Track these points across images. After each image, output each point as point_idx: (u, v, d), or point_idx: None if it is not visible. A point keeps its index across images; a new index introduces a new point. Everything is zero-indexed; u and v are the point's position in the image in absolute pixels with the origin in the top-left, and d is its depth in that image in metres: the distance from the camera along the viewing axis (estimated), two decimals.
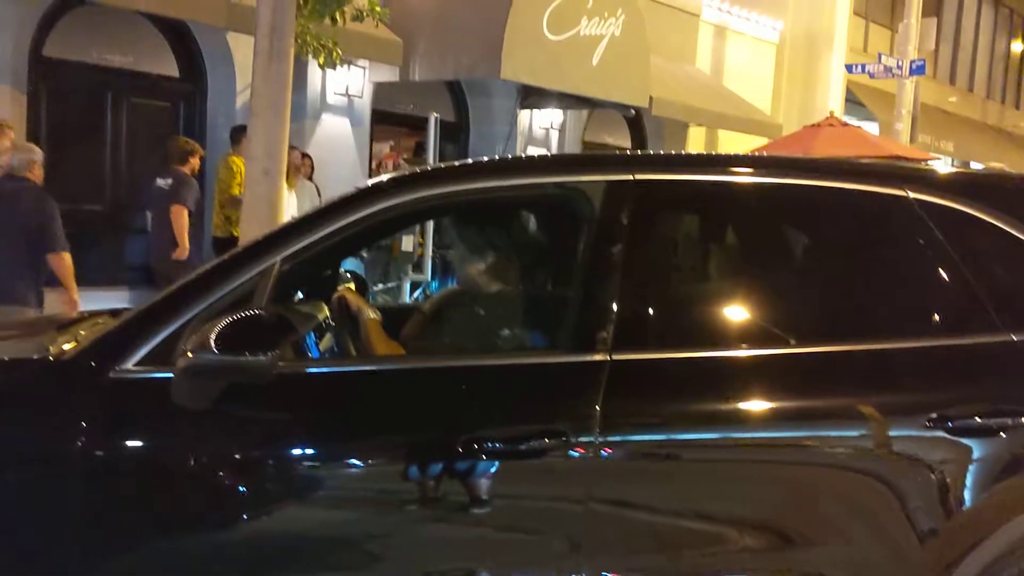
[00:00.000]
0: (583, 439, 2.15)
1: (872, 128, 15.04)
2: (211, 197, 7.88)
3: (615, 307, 2.25)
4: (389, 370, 2.39)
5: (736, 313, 2.37)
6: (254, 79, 5.96)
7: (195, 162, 7.11)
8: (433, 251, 8.45)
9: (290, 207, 7.05)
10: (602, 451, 2.16)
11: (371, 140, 10.18)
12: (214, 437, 2.18)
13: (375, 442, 2.22)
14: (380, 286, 8.33)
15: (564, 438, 2.15)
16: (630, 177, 2.37)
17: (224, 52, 8.60)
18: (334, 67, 7.58)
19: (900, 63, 13.08)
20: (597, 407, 2.16)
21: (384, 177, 2.57)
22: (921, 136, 15.84)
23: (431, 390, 2.28)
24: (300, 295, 3.08)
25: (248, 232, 5.98)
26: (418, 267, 8.12)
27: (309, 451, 2.22)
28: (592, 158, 2.80)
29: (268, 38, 5.84)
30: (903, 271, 2.38)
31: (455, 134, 11.05)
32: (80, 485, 2.15)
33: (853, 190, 2.34)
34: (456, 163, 2.63)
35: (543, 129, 11.81)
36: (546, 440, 2.15)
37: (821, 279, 2.38)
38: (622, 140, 13.23)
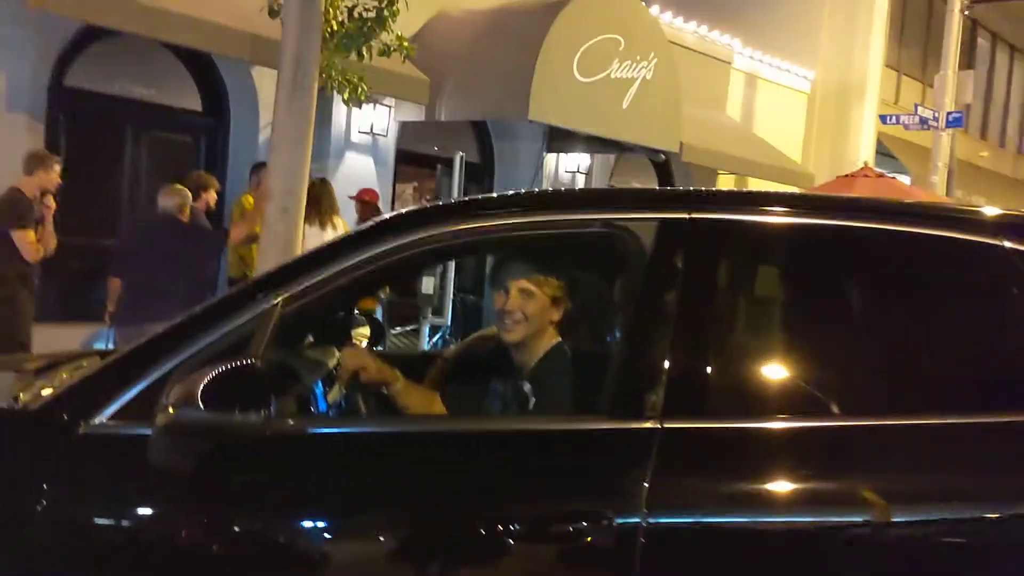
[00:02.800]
0: (627, 520, 1.83)
1: (903, 181, 14.72)
2: None
3: (667, 366, 1.93)
4: (400, 433, 2.08)
5: (808, 376, 2.03)
6: (276, 112, 5.77)
7: (208, 196, 6.88)
8: (454, 294, 8.16)
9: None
10: (649, 535, 1.83)
11: (395, 179, 9.99)
12: (196, 506, 1.87)
13: (381, 517, 1.91)
14: (398, 329, 8.04)
15: (604, 519, 1.83)
16: (686, 216, 2.07)
17: (248, 87, 8.46)
18: (359, 104, 7.40)
19: (936, 115, 12.80)
20: (645, 483, 1.84)
21: (403, 211, 2.29)
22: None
23: (449, 458, 1.97)
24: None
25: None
26: (438, 311, 7.83)
27: (305, 524, 1.91)
28: (643, 193, 2.51)
29: (292, 70, 5.66)
30: (999, 332, 2.05)
31: (479, 176, 10.84)
32: (40, 553, 1.86)
33: (942, 238, 2.02)
34: (485, 196, 2.34)
35: (569, 173, 11.59)
36: (583, 522, 1.83)
37: (907, 339, 2.05)
38: (649, 186, 12.99)
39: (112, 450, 1.90)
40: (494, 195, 2.35)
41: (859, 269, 2.15)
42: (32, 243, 5.86)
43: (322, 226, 7.02)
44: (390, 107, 9.17)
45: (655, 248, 2.03)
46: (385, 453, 1.97)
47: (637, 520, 1.83)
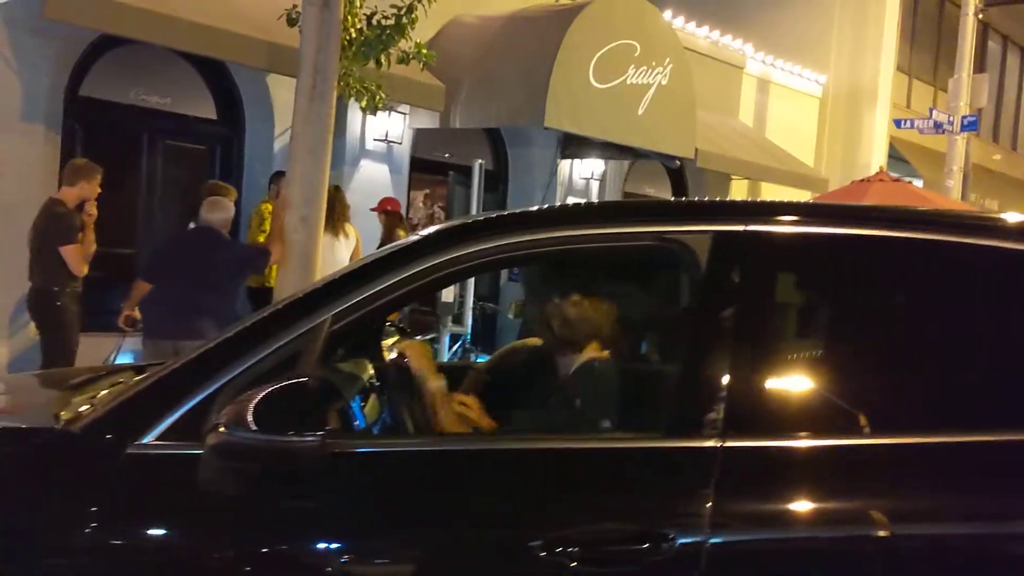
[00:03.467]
0: (689, 541, 1.78)
1: (917, 185, 14.64)
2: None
3: (726, 383, 1.88)
4: (456, 452, 2.02)
5: (873, 392, 1.96)
6: (294, 121, 5.73)
7: None
8: (473, 302, 8.10)
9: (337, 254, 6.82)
10: (712, 556, 1.78)
11: (409, 187, 9.95)
12: (248, 528, 1.82)
13: (436, 537, 1.85)
14: (419, 338, 7.96)
15: (666, 540, 1.78)
16: (741, 228, 2.02)
17: (263, 95, 8.43)
18: (375, 112, 7.37)
19: (951, 119, 12.72)
20: (708, 503, 1.79)
21: (448, 225, 2.24)
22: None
23: (499, 478, 1.92)
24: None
25: (283, 283, 5.70)
26: (458, 319, 7.76)
27: (356, 545, 1.86)
28: (696, 205, 2.45)
29: (310, 78, 5.62)
30: None
31: (494, 183, 10.79)
32: None
33: (1013, 251, 1.96)
34: (529, 209, 2.29)
35: (583, 179, 11.54)
36: (644, 543, 1.78)
37: (979, 355, 1.98)
38: (663, 192, 12.94)
39: (160, 471, 1.85)
40: (538, 208, 2.30)
41: (920, 280, 2.08)
42: (80, 257, 5.83)
43: (334, 233, 6.97)
44: (405, 114, 9.14)
45: (710, 261, 1.98)
46: (441, 472, 1.92)
47: (700, 540, 1.78)
